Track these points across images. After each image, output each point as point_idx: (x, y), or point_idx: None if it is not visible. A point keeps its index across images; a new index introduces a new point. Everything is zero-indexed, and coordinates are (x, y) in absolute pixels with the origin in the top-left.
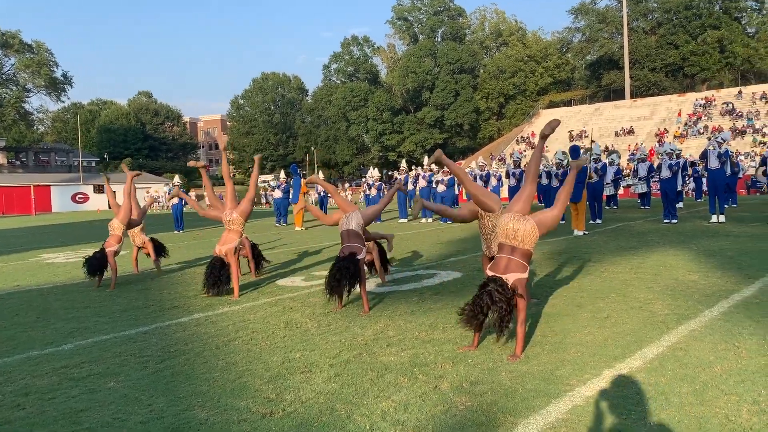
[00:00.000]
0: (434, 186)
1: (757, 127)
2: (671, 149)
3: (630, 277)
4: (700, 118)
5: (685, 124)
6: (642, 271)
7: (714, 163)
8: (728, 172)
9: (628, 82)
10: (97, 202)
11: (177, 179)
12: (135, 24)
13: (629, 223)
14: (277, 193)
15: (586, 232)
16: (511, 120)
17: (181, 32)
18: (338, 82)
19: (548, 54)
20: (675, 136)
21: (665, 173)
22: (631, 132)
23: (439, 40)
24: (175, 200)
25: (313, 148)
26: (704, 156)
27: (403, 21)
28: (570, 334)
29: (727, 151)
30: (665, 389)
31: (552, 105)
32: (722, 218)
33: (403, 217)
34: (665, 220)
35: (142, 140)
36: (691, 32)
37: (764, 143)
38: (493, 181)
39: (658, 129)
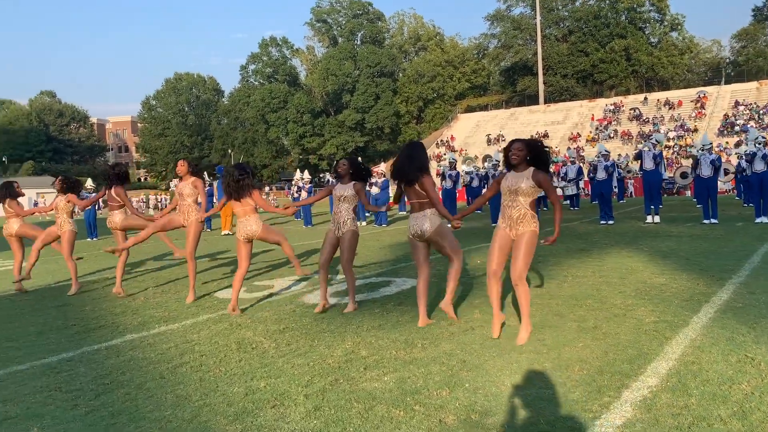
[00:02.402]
0: (368, 188)
1: (662, 131)
2: (606, 151)
3: (596, 280)
4: (610, 122)
5: (597, 128)
6: (605, 274)
7: (649, 165)
8: (663, 173)
9: (541, 87)
10: None
11: (90, 183)
12: (37, 18)
13: (566, 225)
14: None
15: None
16: (430, 124)
17: (87, 29)
18: (256, 83)
19: (465, 59)
20: (587, 140)
21: (601, 175)
22: (546, 136)
23: (359, 43)
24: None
25: (230, 151)
26: (639, 157)
27: (322, 23)
28: (565, 348)
29: (661, 152)
30: (702, 413)
31: (469, 109)
32: (657, 219)
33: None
34: (602, 222)
35: (45, 142)
36: (600, 41)
37: (669, 147)
38: None
39: (571, 133)
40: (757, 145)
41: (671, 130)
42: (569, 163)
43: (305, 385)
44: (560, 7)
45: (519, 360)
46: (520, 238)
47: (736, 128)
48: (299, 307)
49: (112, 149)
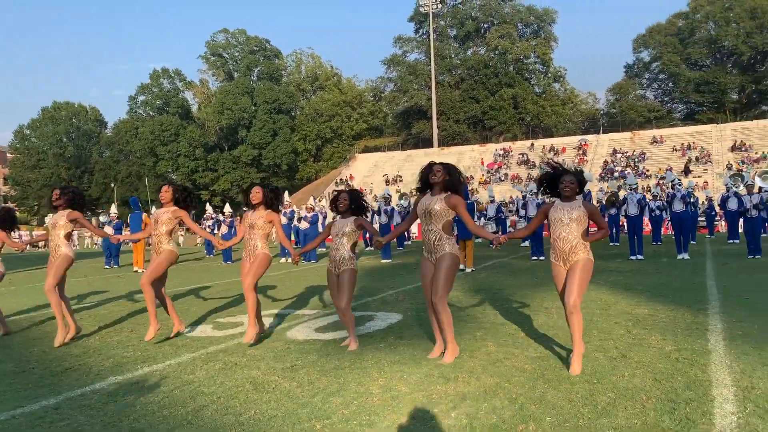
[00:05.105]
0: (296, 223)
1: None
2: (535, 190)
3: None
4: (501, 166)
5: (488, 171)
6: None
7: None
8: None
9: (435, 131)
10: None
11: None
12: None
13: (499, 260)
14: (109, 231)
15: (473, 269)
16: (328, 162)
17: None
18: (145, 115)
19: (363, 101)
20: (480, 183)
21: (532, 212)
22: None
23: (255, 79)
24: None
25: (112, 185)
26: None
27: (217, 57)
28: (613, 378)
29: (589, 192)
30: None
31: (367, 150)
32: None
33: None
34: (533, 257)
35: None
36: (490, 89)
37: None
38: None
39: (465, 175)
40: (676, 187)
41: None
42: (489, 203)
43: (369, 425)
44: (453, 56)
45: (577, 390)
46: (574, 266)
47: (615, 174)
48: (292, 344)
49: None
